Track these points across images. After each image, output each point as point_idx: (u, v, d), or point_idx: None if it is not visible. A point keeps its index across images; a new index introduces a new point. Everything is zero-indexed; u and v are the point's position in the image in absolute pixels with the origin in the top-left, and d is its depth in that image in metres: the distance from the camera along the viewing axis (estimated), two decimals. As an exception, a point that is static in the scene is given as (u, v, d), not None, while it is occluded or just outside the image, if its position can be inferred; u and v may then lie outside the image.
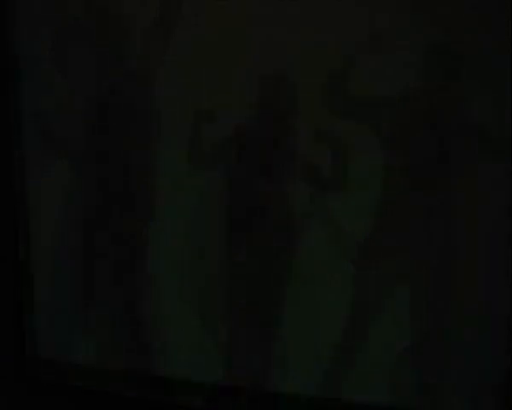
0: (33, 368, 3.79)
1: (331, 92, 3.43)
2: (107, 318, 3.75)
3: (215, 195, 3.58)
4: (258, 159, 3.53)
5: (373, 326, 3.51)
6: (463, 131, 3.37)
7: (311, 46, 3.41)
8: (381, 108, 3.43)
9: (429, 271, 3.47)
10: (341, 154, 3.45)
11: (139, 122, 3.63)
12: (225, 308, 3.62)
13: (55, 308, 3.81)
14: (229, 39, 3.50)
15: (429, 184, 3.42)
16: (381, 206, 3.47)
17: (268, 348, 3.61)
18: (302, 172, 3.50)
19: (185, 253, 3.65)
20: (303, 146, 3.48)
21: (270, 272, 3.56)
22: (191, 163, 3.59)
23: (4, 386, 3.77)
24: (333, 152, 3.46)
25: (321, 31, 3.41)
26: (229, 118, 3.53)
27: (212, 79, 3.53)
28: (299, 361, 3.58)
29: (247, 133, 3.53)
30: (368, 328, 3.52)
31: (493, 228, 3.38)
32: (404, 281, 3.49)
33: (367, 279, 3.52)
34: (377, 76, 3.40)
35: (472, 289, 3.43)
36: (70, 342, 3.77)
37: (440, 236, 3.45)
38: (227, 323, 3.62)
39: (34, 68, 3.72)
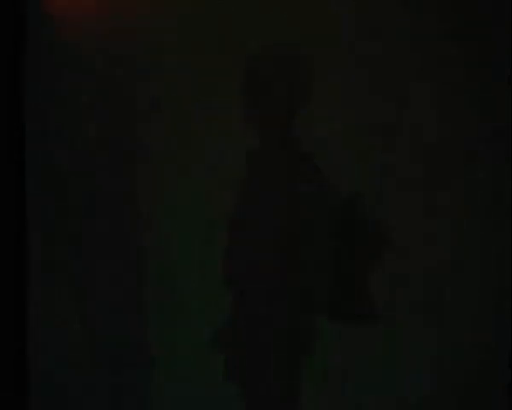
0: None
1: None
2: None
3: (216, 196, 3.58)
4: (258, 160, 3.52)
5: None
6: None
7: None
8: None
9: (427, 270, 3.48)
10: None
11: (140, 121, 3.64)
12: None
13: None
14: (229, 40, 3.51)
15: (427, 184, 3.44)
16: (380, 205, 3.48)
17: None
18: (304, 173, 3.50)
19: (186, 257, 3.65)
20: (304, 146, 3.48)
21: (270, 271, 3.56)
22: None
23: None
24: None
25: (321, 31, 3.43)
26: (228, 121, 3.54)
27: (212, 79, 3.54)
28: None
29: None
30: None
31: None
32: (403, 281, 3.50)
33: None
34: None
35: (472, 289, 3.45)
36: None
37: (440, 235, 3.46)
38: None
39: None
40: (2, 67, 3.34)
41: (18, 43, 3.35)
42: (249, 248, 3.42)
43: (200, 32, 3.55)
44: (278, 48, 3.37)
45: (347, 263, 3.27)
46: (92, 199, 3.71)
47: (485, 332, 3.44)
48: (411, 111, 3.48)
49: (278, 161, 3.39)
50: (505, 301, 3.42)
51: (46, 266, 3.72)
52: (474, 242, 3.45)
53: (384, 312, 3.45)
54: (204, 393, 3.58)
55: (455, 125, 3.46)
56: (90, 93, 3.66)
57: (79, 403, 3.62)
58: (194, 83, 3.59)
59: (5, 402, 3.37)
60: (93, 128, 3.70)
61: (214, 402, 3.56)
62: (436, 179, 3.46)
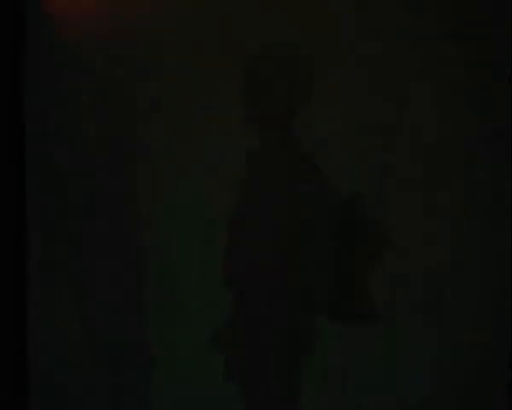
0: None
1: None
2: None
3: (216, 196, 3.58)
4: (258, 160, 3.53)
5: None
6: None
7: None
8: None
9: (427, 270, 3.48)
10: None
11: (139, 120, 3.65)
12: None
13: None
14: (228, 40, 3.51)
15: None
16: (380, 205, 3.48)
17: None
18: (304, 173, 3.50)
19: (186, 257, 3.66)
20: (304, 146, 3.49)
21: (270, 271, 3.56)
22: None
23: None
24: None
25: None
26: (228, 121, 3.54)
27: (212, 79, 3.54)
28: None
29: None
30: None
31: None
32: (403, 281, 3.50)
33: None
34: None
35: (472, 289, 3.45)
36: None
37: (440, 235, 3.46)
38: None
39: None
40: (2, 67, 3.35)
41: (18, 43, 3.35)
42: (249, 248, 3.42)
43: (200, 32, 3.55)
44: (278, 48, 3.37)
45: (347, 263, 3.28)
46: (92, 199, 3.71)
47: (485, 332, 3.44)
48: (411, 111, 3.48)
49: (278, 161, 3.39)
50: (505, 301, 3.42)
51: (46, 266, 3.72)
52: (474, 242, 3.46)
53: (384, 312, 3.44)
54: (204, 393, 3.57)
55: (455, 125, 3.46)
56: (90, 93, 3.66)
57: (79, 403, 3.62)
58: (194, 83, 3.59)
59: (5, 402, 3.37)
60: (93, 128, 3.70)
61: (214, 402, 3.56)
62: (436, 179, 3.47)
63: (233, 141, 3.55)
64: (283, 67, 3.36)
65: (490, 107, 3.39)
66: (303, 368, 3.33)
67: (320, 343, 3.43)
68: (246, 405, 3.41)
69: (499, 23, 3.28)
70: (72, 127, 3.69)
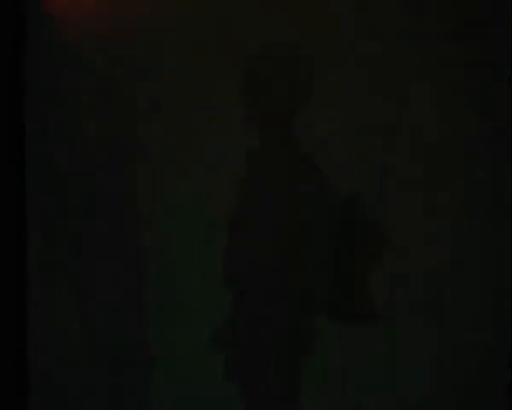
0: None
1: None
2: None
3: (216, 196, 3.58)
4: (258, 160, 3.53)
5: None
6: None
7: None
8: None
9: (427, 270, 3.48)
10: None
11: (139, 120, 3.65)
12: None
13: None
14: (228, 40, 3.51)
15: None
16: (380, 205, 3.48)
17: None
18: (304, 173, 3.50)
19: (185, 257, 3.65)
20: (304, 146, 3.49)
21: (270, 271, 3.56)
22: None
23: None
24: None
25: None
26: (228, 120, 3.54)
27: (212, 79, 3.54)
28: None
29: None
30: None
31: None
32: (403, 281, 3.50)
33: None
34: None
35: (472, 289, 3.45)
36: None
37: (440, 235, 3.46)
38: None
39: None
40: (2, 67, 3.35)
41: (18, 43, 3.35)
42: (249, 248, 3.42)
43: (200, 32, 3.55)
44: (278, 48, 3.37)
45: (347, 263, 3.28)
46: (92, 199, 3.71)
47: (485, 332, 3.44)
48: (411, 111, 3.49)
49: (278, 161, 3.39)
50: (505, 301, 3.42)
51: (46, 266, 3.72)
52: (474, 242, 3.46)
53: (384, 312, 3.44)
54: (204, 393, 3.57)
55: (455, 125, 3.46)
56: (90, 93, 3.66)
57: (79, 403, 3.62)
58: (194, 83, 3.59)
59: (5, 402, 3.37)
60: (93, 128, 3.70)
61: (214, 402, 3.56)
62: (436, 179, 3.47)
63: (233, 141, 3.55)
64: (283, 67, 3.36)
65: (490, 107, 3.39)
66: (303, 368, 3.33)
67: (320, 343, 3.43)
68: (246, 405, 3.41)
69: (499, 23, 3.29)
70: (72, 127, 3.69)
